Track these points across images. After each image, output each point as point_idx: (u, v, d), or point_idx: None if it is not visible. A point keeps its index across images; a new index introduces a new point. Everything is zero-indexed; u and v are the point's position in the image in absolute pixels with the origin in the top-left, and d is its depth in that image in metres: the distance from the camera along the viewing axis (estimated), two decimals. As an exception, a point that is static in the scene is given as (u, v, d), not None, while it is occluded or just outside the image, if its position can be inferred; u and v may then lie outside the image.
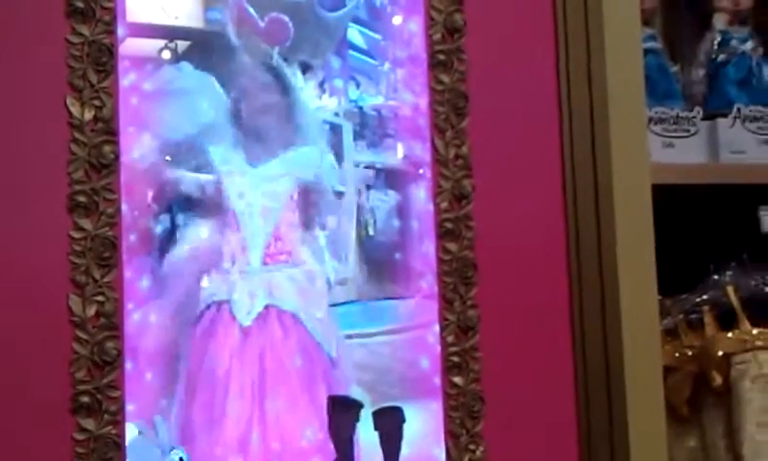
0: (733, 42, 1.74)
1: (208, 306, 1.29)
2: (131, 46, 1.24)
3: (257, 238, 1.32)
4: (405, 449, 1.34)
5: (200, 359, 1.28)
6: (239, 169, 1.31)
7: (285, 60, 1.33)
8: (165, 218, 1.26)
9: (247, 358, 1.30)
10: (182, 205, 1.27)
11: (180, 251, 1.26)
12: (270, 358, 1.31)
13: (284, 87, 1.34)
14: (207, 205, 1.29)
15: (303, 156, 1.35)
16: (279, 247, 1.34)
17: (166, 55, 1.27)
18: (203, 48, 1.29)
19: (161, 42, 1.28)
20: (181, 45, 1.28)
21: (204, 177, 1.28)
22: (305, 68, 1.34)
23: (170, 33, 1.28)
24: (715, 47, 1.75)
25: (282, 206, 1.34)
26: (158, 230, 1.25)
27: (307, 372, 1.33)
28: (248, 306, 1.30)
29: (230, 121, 1.31)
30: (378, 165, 1.38)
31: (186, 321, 1.27)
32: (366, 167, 1.37)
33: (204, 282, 1.29)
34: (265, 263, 1.33)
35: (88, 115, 1.19)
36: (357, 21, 1.38)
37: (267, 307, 1.32)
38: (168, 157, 1.26)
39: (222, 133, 1.30)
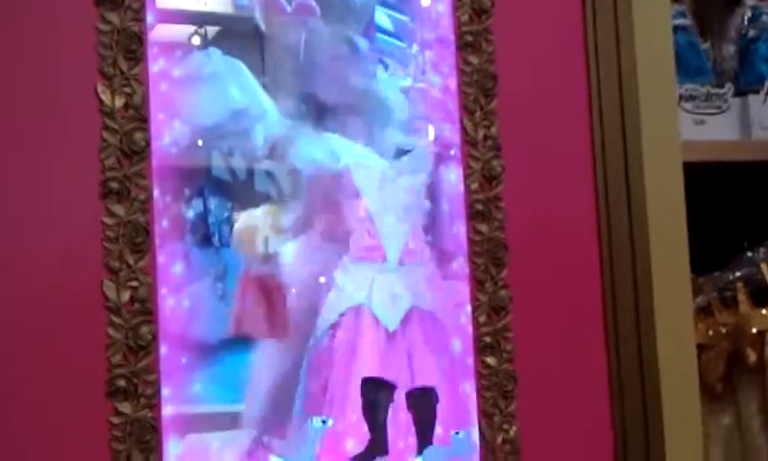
0: (764, 18, 1.73)
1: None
2: (160, 32, 1.25)
3: (395, 236, 1.35)
4: (439, 429, 1.35)
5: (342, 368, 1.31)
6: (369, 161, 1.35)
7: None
8: (198, 203, 1.27)
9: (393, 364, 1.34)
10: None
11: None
12: (417, 362, 1.35)
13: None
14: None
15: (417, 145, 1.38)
16: (412, 246, 1.36)
17: (196, 41, 1.28)
18: (231, 34, 1.30)
19: (191, 28, 1.28)
20: (210, 31, 1.29)
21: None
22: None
23: (199, 18, 1.29)
24: (746, 23, 1.73)
25: (416, 201, 1.37)
26: (190, 215, 1.26)
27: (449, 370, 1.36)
28: (391, 309, 1.34)
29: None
30: (408, 147, 1.38)
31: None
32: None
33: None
34: (402, 263, 1.35)
35: (119, 103, 1.20)
36: (385, 4, 1.38)
37: (411, 309, 1.35)
38: (200, 142, 1.27)
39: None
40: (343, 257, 1.34)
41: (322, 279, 1.32)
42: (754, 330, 1.60)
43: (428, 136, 1.39)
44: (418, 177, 1.38)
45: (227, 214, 1.28)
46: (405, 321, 1.35)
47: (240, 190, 1.29)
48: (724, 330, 1.64)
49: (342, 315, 1.32)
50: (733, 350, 1.62)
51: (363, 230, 1.34)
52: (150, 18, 1.24)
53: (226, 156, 1.28)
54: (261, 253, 1.29)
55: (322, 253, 1.33)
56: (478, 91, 1.39)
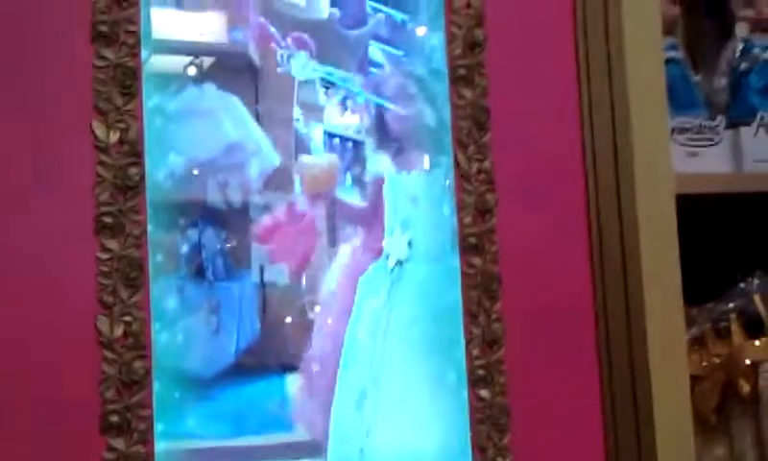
0: (756, 50, 1.73)
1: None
2: (156, 64, 1.25)
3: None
4: (434, 463, 1.35)
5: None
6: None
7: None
8: (192, 237, 1.27)
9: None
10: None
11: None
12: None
13: None
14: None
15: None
16: None
17: (192, 71, 1.28)
18: (226, 68, 1.31)
19: (187, 59, 1.29)
20: (206, 64, 1.29)
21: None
22: (327, 86, 1.35)
23: (195, 50, 1.29)
24: (737, 55, 1.74)
25: None
26: (184, 249, 1.26)
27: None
28: None
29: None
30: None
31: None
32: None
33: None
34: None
35: (114, 138, 1.21)
36: (378, 38, 1.39)
37: None
38: (195, 174, 1.27)
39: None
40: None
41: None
42: (747, 362, 1.60)
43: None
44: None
45: (219, 247, 1.28)
46: None
47: (235, 223, 1.29)
48: (717, 361, 1.63)
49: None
50: (727, 381, 1.62)
51: None
52: (145, 52, 1.24)
53: (221, 188, 1.28)
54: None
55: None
56: (471, 125, 1.40)
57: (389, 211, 1.37)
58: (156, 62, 1.25)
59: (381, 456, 1.33)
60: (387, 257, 1.36)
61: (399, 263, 1.36)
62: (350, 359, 1.33)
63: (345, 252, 1.35)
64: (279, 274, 1.31)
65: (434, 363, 1.37)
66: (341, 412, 1.32)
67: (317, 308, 1.32)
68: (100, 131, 1.20)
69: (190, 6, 1.30)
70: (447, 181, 1.39)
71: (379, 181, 1.37)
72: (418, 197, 1.38)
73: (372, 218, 1.36)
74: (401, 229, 1.37)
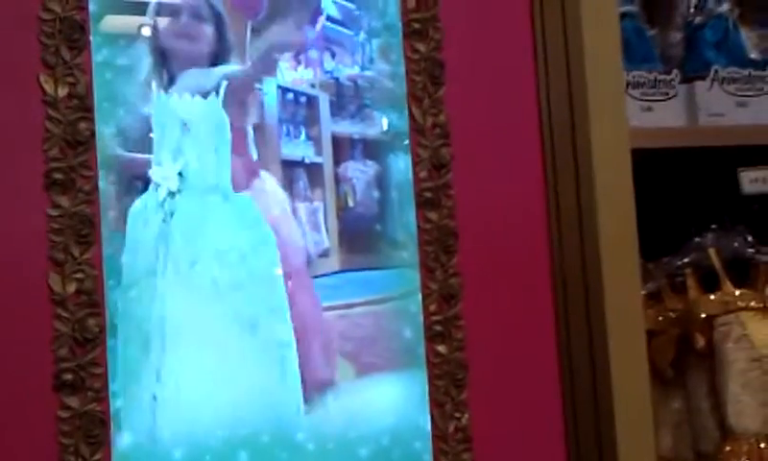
0: (710, 4, 1.74)
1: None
2: (109, 23, 1.23)
3: None
4: (391, 419, 1.35)
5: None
6: None
7: (258, 31, 1.32)
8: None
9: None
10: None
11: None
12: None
13: None
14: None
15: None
16: None
17: (146, 32, 1.26)
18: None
19: (140, 19, 1.27)
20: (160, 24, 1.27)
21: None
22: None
23: (145, 8, 1.27)
24: (692, 9, 1.75)
25: None
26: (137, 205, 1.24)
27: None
28: None
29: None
30: (356, 136, 1.38)
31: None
32: (343, 138, 1.37)
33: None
34: None
35: (62, 92, 1.19)
36: (331, -9, 1.38)
37: None
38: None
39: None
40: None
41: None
42: (702, 315, 1.62)
43: (375, 125, 1.39)
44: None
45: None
46: None
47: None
48: (673, 316, 1.65)
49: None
50: (683, 335, 1.63)
51: None
52: (93, 6, 1.22)
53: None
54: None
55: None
56: (426, 79, 1.39)
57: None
58: (109, 22, 1.23)
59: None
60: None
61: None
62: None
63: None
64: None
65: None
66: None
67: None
68: (48, 85, 1.18)
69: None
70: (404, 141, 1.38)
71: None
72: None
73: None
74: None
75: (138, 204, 1.25)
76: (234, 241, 1.29)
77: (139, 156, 1.25)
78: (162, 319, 1.25)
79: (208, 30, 1.30)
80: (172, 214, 1.26)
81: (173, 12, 1.28)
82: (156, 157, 1.26)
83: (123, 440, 1.21)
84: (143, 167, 1.25)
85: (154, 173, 1.25)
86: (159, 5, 1.28)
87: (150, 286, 1.24)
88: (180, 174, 1.26)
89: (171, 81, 1.28)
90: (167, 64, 1.28)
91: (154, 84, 1.27)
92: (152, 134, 1.25)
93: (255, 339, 1.29)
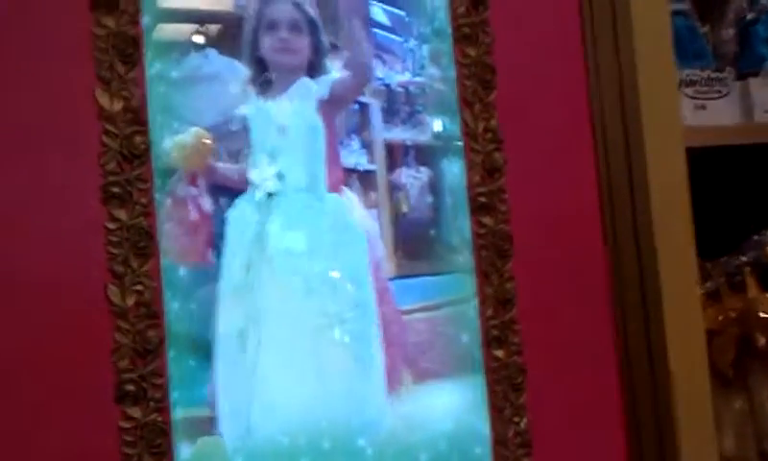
0: (763, 0, 1.73)
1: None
2: (161, 32, 1.25)
3: None
4: (450, 424, 1.34)
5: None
6: None
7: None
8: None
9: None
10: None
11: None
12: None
13: None
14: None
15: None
16: None
17: (198, 39, 1.28)
18: (230, 33, 1.30)
19: (193, 27, 1.28)
20: (211, 31, 1.29)
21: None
22: (332, 48, 1.34)
23: (200, 17, 1.28)
24: (744, 5, 1.74)
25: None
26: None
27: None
28: None
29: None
30: (409, 142, 1.38)
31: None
32: (396, 144, 1.38)
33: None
34: None
35: (117, 107, 1.20)
36: (381, -1, 1.38)
37: None
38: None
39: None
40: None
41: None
42: (762, 314, 1.60)
43: (427, 131, 1.39)
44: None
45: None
46: None
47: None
48: (733, 315, 1.63)
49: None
50: (743, 334, 1.62)
51: None
52: (146, 19, 1.24)
53: (227, 154, 1.28)
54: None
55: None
56: (477, 83, 1.39)
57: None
58: (160, 31, 1.25)
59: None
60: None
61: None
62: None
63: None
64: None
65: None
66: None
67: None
68: (103, 100, 1.20)
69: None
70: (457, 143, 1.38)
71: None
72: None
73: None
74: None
75: (237, 206, 1.28)
76: (329, 240, 1.31)
77: (228, 165, 1.28)
78: (258, 313, 1.27)
79: (306, 41, 1.32)
80: (269, 214, 1.29)
81: (271, 25, 1.31)
82: (254, 159, 1.29)
83: (185, 450, 1.21)
84: (233, 176, 1.29)
85: (252, 175, 1.28)
86: (258, 20, 1.30)
87: (247, 284, 1.27)
88: (277, 175, 1.29)
89: (268, 88, 1.31)
90: (265, 73, 1.31)
91: (251, 91, 1.30)
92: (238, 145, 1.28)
93: (343, 336, 1.30)
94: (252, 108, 1.30)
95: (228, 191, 1.28)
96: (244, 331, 1.26)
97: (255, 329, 1.27)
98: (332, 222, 1.32)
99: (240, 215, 1.28)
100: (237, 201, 1.28)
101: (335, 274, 1.31)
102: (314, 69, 1.32)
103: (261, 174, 1.28)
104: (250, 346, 1.26)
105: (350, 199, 1.34)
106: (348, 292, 1.31)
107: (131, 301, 1.19)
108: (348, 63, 1.33)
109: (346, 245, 1.32)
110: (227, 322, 1.26)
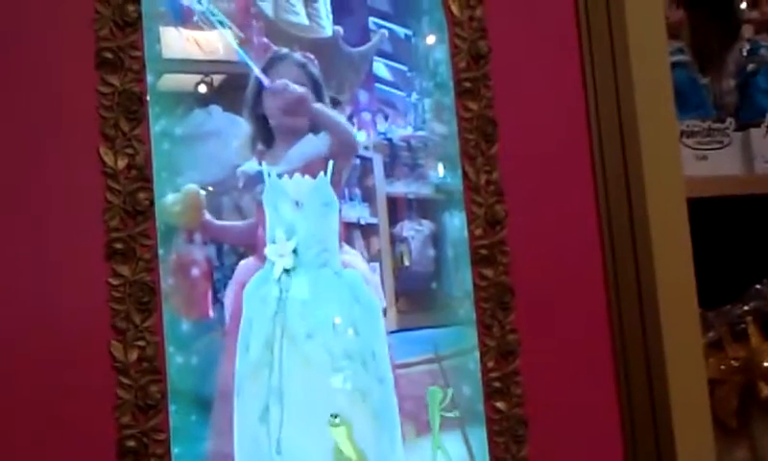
0: (762, 51, 1.74)
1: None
2: (166, 84, 1.26)
3: None
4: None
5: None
6: None
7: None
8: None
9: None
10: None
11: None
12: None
13: None
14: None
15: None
16: None
17: (202, 89, 1.28)
18: (232, 88, 1.31)
19: (197, 77, 1.29)
20: (215, 81, 1.29)
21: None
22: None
23: (205, 68, 1.29)
24: (744, 56, 1.74)
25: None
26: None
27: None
28: None
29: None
30: (411, 196, 1.39)
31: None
32: (398, 198, 1.38)
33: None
34: None
35: (122, 164, 1.21)
36: (382, 54, 1.39)
37: None
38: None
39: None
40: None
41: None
42: (765, 364, 1.60)
43: (428, 184, 1.40)
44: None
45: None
46: None
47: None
48: (736, 364, 1.63)
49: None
50: (746, 384, 1.62)
51: None
52: (151, 77, 1.25)
53: (232, 210, 1.28)
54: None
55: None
56: (479, 137, 1.40)
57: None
58: (166, 82, 1.26)
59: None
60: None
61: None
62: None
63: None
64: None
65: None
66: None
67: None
68: (108, 157, 1.21)
69: (197, 25, 1.30)
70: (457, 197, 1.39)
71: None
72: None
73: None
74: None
75: (253, 282, 1.28)
76: (347, 314, 1.31)
77: (230, 223, 1.29)
78: (281, 390, 1.26)
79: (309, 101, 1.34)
80: (288, 290, 1.28)
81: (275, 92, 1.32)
82: (270, 234, 1.29)
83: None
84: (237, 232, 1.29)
85: (269, 251, 1.28)
86: (260, 80, 1.31)
87: (268, 360, 1.26)
88: (294, 251, 1.29)
89: (270, 146, 1.32)
90: (269, 133, 1.32)
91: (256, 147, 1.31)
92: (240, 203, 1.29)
93: (366, 408, 1.30)
94: (267, 185, 1.30)
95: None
96: (266, 411, 1.26)
97: (278, 406, 1.26)
98: (351, 296, 1.32)
99: (255, 291, 1.28)
100: (254, 278, 1.28)
101: (359, 348, 1.31)
102: (317, 129, 1.33)
103: (278, 250, 1.28)
104: (273, 424, 1.26)
105: (360, 269, 1.34)
106: (372, 366, 1.31)
107: (133, 356, 1.20)
108: (334, 145, 1.34)
109: (366, 319, 1.32)
110: (247, 401, 1.26)
